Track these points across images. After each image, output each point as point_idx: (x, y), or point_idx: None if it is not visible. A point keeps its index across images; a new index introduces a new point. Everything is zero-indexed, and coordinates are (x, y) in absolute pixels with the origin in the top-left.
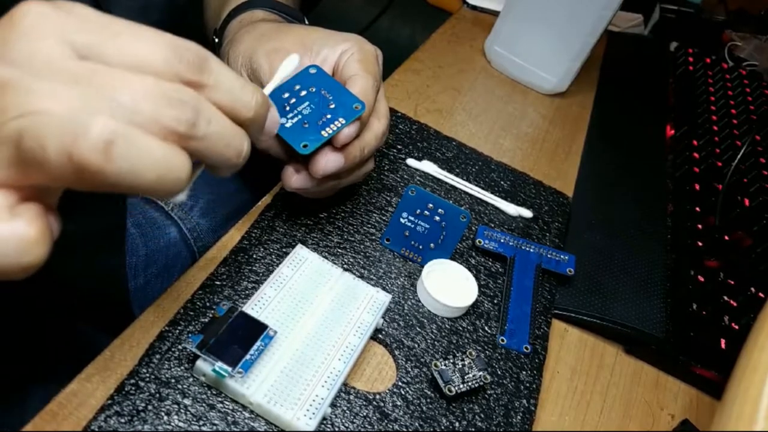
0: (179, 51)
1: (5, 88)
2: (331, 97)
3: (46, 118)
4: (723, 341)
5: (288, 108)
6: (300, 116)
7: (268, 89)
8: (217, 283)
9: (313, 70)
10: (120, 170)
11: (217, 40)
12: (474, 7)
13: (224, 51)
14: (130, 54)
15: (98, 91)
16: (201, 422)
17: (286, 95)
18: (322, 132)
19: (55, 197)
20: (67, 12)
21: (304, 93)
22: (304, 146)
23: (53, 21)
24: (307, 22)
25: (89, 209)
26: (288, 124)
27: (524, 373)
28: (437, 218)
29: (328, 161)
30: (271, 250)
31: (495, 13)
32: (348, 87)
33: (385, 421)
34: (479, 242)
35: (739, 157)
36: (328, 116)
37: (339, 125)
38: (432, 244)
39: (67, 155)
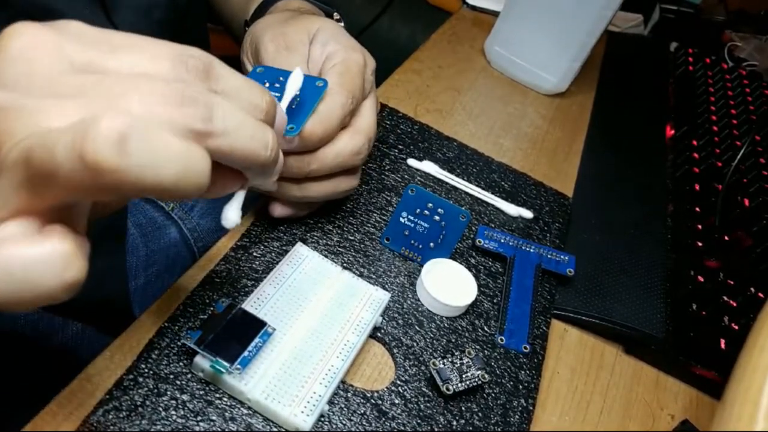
0: (183, 59)
1: (5, 113)
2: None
3: (55, 130)
4: (723, 341)
5: None
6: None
7: (282, 105)
8: (217, 280)
9: (260, 69)
10: (137, 165)
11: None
12: (474, 7)
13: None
14: (133, 66)
15: (107, 99)
16: (199, 418)
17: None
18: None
19: (81, 221)
20: (60, 31)
21: (277, 85)
22: (291, 128)
23: (47, 41)
24: (336, 16)
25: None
26: None
27: (523, 372)
28: (437, 218)
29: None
30: (271, 248)
31: (495, 13)
32: (321, 102)
33: (383, 419)
34: (479, 242)
35: (739, 157)
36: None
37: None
38: (432, 244)
39: (78, 155)
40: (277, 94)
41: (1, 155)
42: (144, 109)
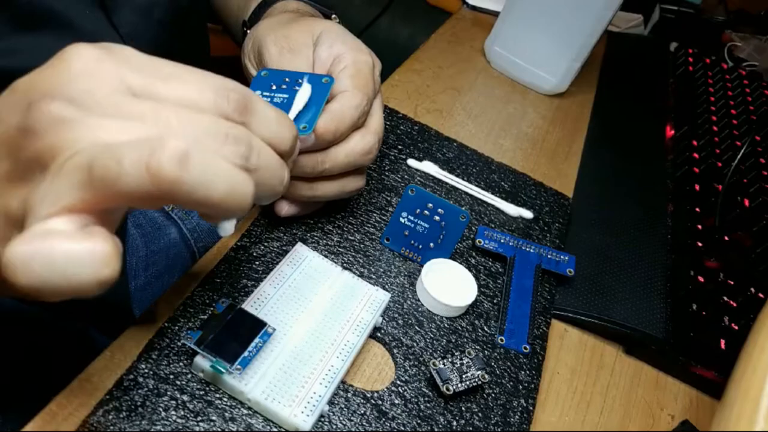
0: (225, 92)
1: (68, 124)
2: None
3: (120, 144)
4: (723, 341)
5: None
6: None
7: (290, 116)
8: (217, 280)
9: (264, 73)
10: (194, 180)
11: (248, 30)
12: (474, 8)
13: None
14: (182, 97)
15: (163, 127)
16: (199, 418)
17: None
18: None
19: (115, 225)
20: (118, 55)
21: (284, 87)
22: (303, 128)
23: (107, 63)
24: (335, 18)
25: None
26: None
27: (523, 372)
28: (437, 218)
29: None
30: (271, 248)
31: (495, 14)
32: (334, 101)
33: (383, 419)
34: (479, 242)
35: (739, 157)
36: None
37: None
38: (431, 244)
39: (145, 166)
40: (284, 96)
41: (60, 159)
42: (196, 139)
